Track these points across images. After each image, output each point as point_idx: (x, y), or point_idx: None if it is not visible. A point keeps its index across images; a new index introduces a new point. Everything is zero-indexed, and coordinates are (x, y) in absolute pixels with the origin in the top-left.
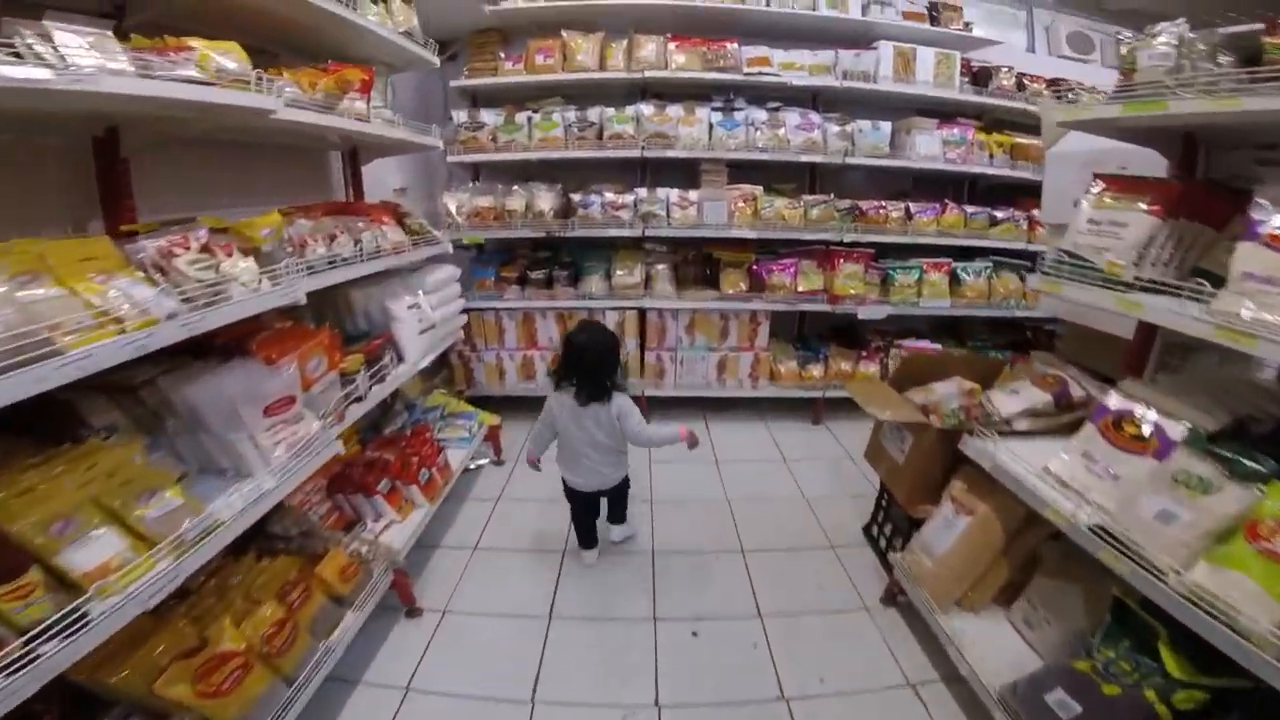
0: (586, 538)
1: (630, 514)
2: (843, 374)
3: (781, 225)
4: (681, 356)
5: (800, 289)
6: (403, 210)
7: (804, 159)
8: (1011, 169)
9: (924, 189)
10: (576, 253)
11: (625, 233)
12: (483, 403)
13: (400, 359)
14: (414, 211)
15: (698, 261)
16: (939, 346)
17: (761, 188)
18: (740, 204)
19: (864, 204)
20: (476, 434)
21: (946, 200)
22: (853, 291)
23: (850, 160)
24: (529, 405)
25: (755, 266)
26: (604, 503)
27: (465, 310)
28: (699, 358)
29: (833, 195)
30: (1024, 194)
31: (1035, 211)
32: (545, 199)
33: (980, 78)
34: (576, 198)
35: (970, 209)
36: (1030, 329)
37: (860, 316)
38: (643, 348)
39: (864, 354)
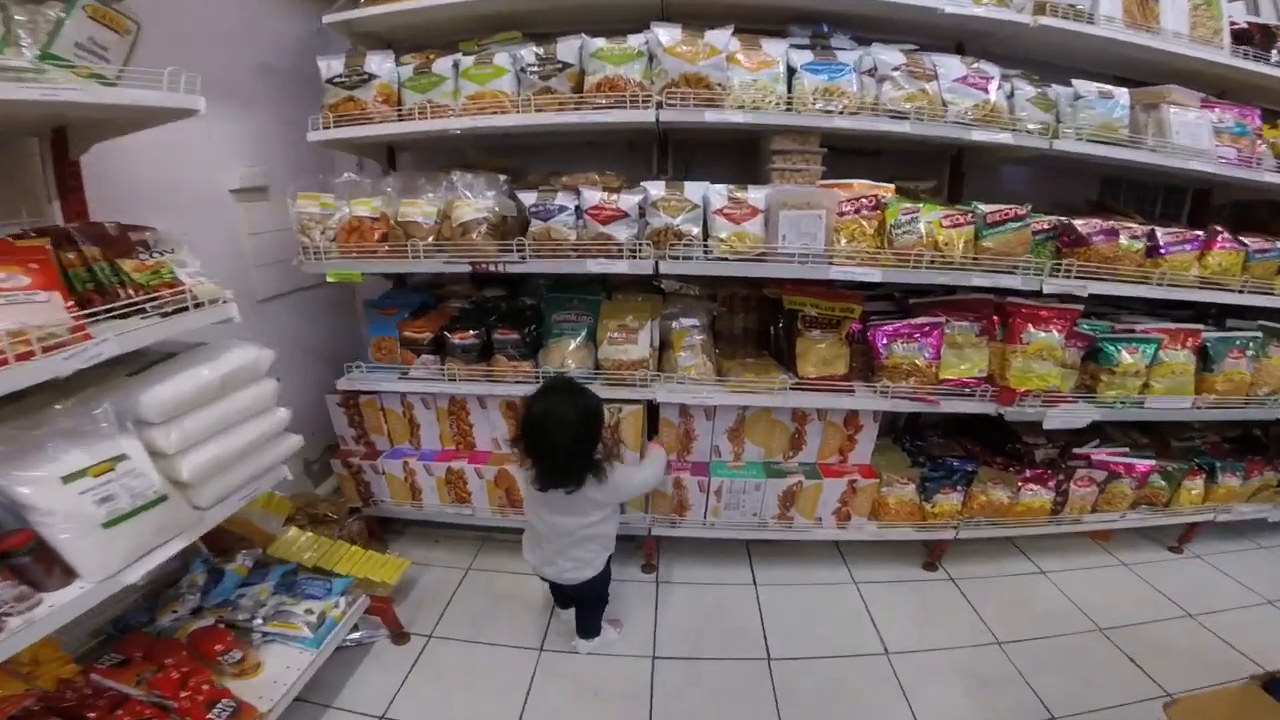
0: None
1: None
2: (995, 508)
3: (930, 259)
4: (720, 484)
5: (946, 376)
6: (129, 238)
7: (975, 137)
8: None
9: (1120, 202)
10: (544, 297)
11: (622, 267)
12: (395, 528)
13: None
14: (181, 241)
15: (751, 313)
16: (1151, 461)
17: (893, 186)
18: (852, 215)
19: (1081, 223)
20: (342, 617)
21: (1214, 227)
22: (1043, 383)
23: (1058, 145)
24: (467, 536)
25: (862, 329)
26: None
27: (350, 394)
28: (750, 485)
29: (1029, 207)
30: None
31: None
32: (473, 204)
33: (1258, 38)
34: (529, 200)
35: (1254, 243)
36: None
37: (1048, 426)
38: None
39: (1027, 472)
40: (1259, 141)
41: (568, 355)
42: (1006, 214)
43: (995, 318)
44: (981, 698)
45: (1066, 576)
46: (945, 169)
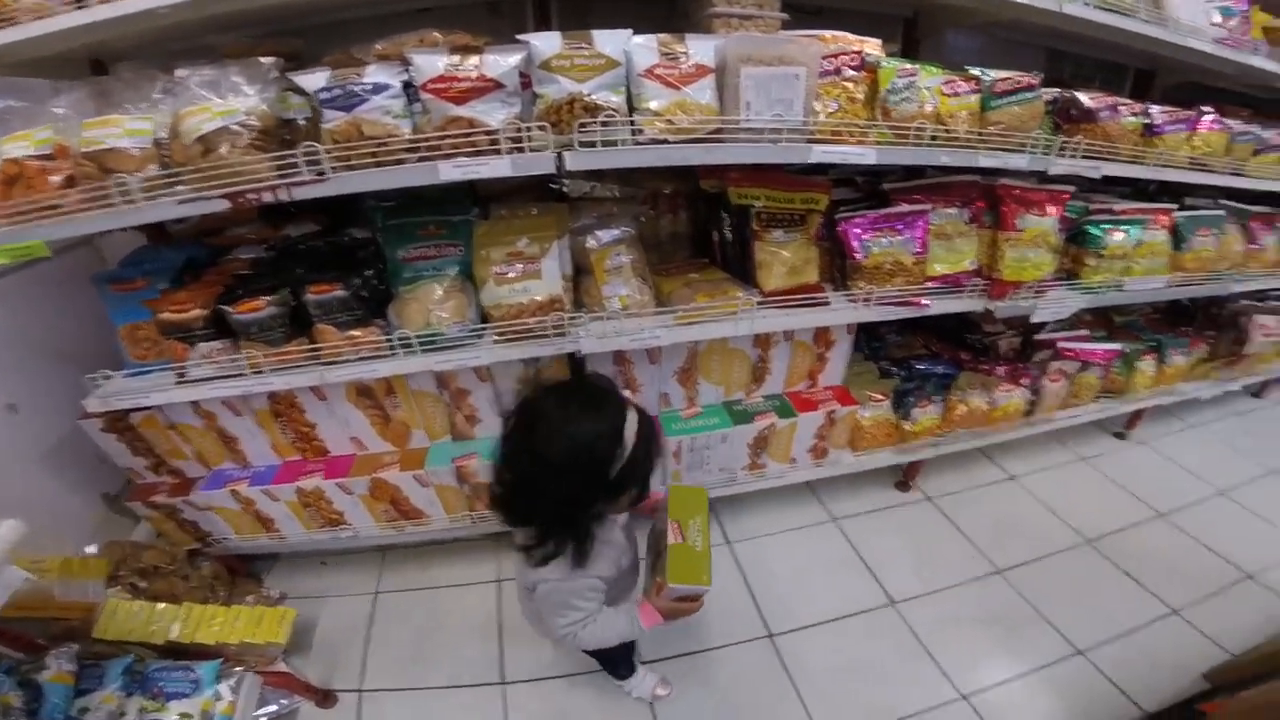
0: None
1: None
2: (976, 417)
3: (932, 134)
4: (678, 443)
5: (934, 273)
6: None
7: None
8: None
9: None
10: (380, 226)
11: (503, 168)
12: (264, 556)
13: None
14: None
15: (680, 212)
16: (1115, 346)
17: (879, 42)
18: (833, 77)
19: (1087, 97)
20: (233, 709)
21: (1206, 108)
22: (1037, 272)
23: (1067, 9)
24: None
25: (830, 224)
26: None
27: (115, 415)
28: (715, 439)
29: (1040, 75)
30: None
31: None
32: (218, 108)
33: None
34: (316, 84)
35: (1237, 125)
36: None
37: (1036, 319)
38: None
39: (1002, 370)
40: (1247, 25)
41: (434, 308)
42: (1019, 82)
43: (981, 203)
44: (1006, 643)
45: (1035, 480)
46: (899, 33)
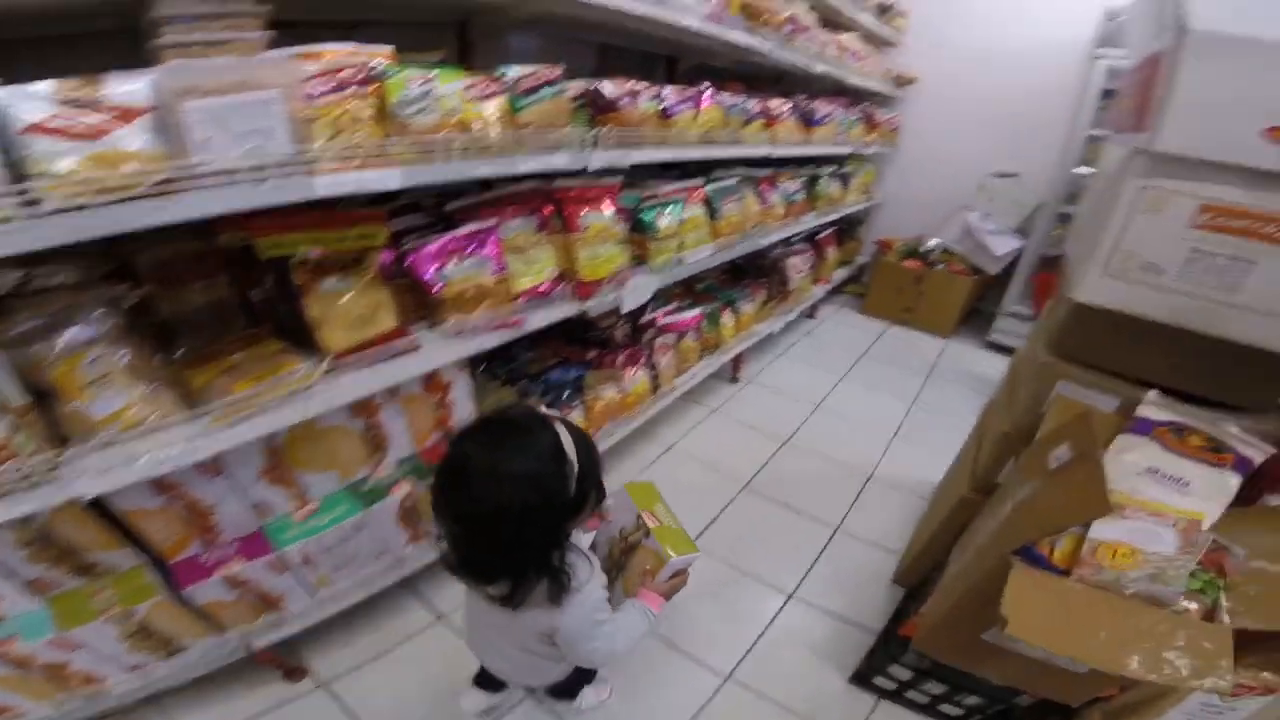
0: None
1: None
2: (613, 407)
3: (462, 146)
4: (298, 549)
5: (521, 288)
6: None
7: None
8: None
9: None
10: None
11: None
12: None
13: None
14: None
15: (215, 276)
16: (696, 310)
17: (390, 49)
18: (332, 97)
19: (610, 87)
20: None
21: (705, 85)
22: (612, 265)
23: None
24: None
25: (397, 257)
26: None
27: None
28: (348, 529)
29: (562, 67)
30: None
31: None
32: None
33: None
34: None
35: (728, 98)
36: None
37: (626, 309)
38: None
39: (621, 357)
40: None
41: None
42: (540, 77)
43: (547, 209)
44: (730, 613)
45: (689, 443)
46: (453, 39)
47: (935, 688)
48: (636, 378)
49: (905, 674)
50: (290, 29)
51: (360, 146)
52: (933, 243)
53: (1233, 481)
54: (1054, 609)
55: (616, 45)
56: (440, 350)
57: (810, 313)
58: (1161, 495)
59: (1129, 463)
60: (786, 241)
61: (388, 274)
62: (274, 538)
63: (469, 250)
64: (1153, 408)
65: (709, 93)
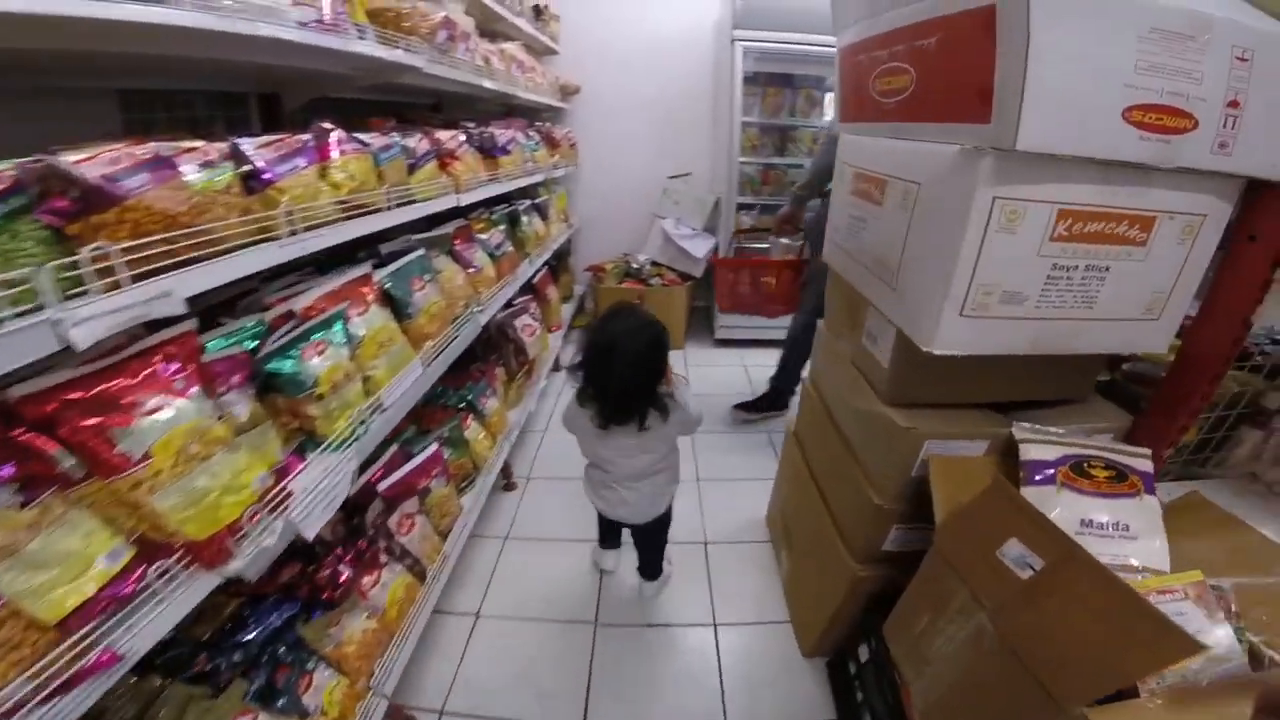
0: (608, 535)
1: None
2: (378, 636)
3: None
4: None
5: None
6: None
7: None
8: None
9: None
10: None
11: None
12: None
13: None
14: None
15: None
16: (432, 444)
17: None
18: None
19: (85, 163)
20: None
21: (322, 125)
22: (245, 485)
23: None
24: None
25: None
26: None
27: None
28: None
29: None
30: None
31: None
32: None
33: None
34: None
35: (378, 140)
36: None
37: (311, 532)
38: None
39: (346, 574)
40: (344, 6)
41: None
42: None
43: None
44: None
45: (498, 596)
46: None
47: None
48: (389, 582)
49: None
50: None
51: None
52: (641, 258)
53: (1153, 503)
54: None
55: (156, 89)
56: None
57: (555, 366)
58: (1115, 549)
59: (1061, 522)
60: (508, 304)
61: None
62: None
63: None
64: (1032, 446)
65: (338, 135)
